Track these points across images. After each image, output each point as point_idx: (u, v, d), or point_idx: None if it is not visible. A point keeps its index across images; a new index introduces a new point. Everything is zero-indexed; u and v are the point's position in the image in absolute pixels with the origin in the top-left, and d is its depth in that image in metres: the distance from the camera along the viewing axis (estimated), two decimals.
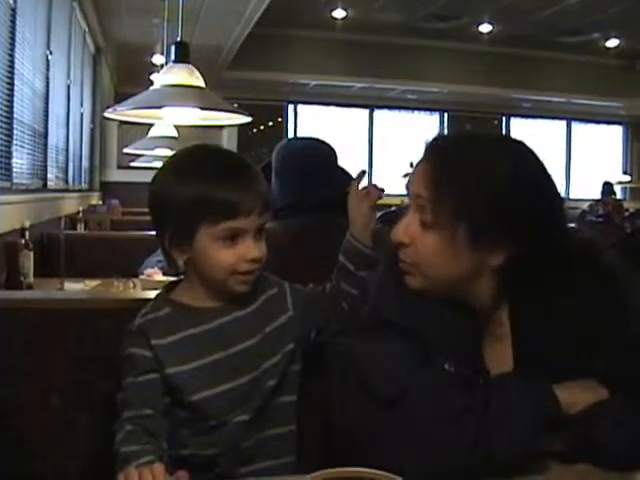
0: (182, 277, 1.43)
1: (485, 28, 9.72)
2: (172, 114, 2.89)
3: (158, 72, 3.80)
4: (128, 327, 1.37)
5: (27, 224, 2.93)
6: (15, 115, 3.64)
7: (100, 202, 8.03)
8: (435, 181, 1.22)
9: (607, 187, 10.08)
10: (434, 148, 1.29)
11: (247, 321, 1.39)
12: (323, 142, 2.34)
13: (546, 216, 1.23)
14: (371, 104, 12.42)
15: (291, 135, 12.14)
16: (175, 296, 1.41)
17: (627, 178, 13.13)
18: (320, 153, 2.32)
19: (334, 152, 2.34)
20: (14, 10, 3.55)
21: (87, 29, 7.21)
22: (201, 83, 2.70)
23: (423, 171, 1.25)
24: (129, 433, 1.26)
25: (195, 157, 1.42)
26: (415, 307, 1.26)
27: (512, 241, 1.19)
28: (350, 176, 2.38)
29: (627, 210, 9.60)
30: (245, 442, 1.36)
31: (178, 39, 2.89)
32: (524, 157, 1.26)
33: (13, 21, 3.54)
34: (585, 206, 9.52)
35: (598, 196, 10.02)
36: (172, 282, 1.46)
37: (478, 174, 1.20)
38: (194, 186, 1.32)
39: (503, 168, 1.21)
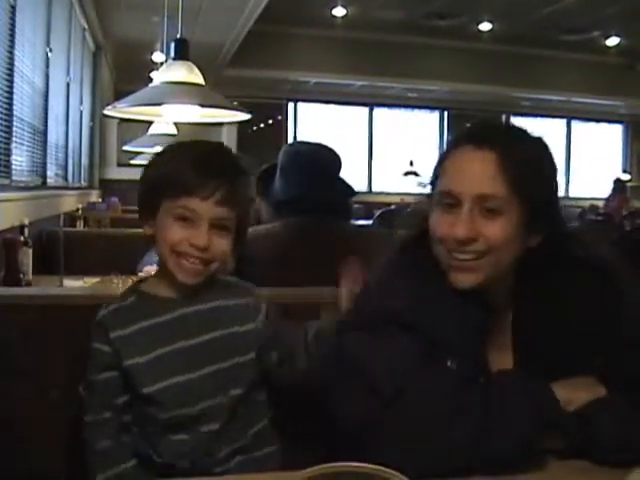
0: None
1: (485, 26, 9.71)
2: (172, 111, 2.89)
3: (158, 70, 3.80)
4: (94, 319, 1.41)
5: (26, 221, 2.93)
6: (15, 112, 3.64)
7: (99, 199, 8.02)
8: (501, 167, 1.23)
9: (618, 184, 10.05)
10: (488, 135, 1.29)
11: (209, 315, 1.41)
12: (330, 149, 2.38)
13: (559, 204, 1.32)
14: (371, 102, 12.41)
15: (291, 133, 12.16)
16: (144, 286, 1.45)
17: (627, 177, 13.11)
18: (325, 158, 2.36)
19: (339, 160, 2.37)
20: (14, 7, 3.54)
21: (87, 26, 7.20)
22: (201, 80, 2.70)
23: (485, 158, 1.24)
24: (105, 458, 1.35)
25: (184, 145, 1.46)
26: (421, 303, 1.26)
27: (546, 223, 1.26)
28: (350, 187, 2.42)
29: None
30: (220, 451, 1.38)
31: (178, 36, 2.89)
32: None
33: (13, 18, 3.54)
34: (587, 205, 9.56)
35: (598, 195, 10.03)
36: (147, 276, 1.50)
37: (535, 159, 1.27)
38: (169, 165, 1.39)
39: (548, 154, 1.30)
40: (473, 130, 1.34)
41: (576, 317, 1.24)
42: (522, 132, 1.32)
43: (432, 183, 1.33)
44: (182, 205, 1.34)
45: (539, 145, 1.30)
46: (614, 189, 9.90)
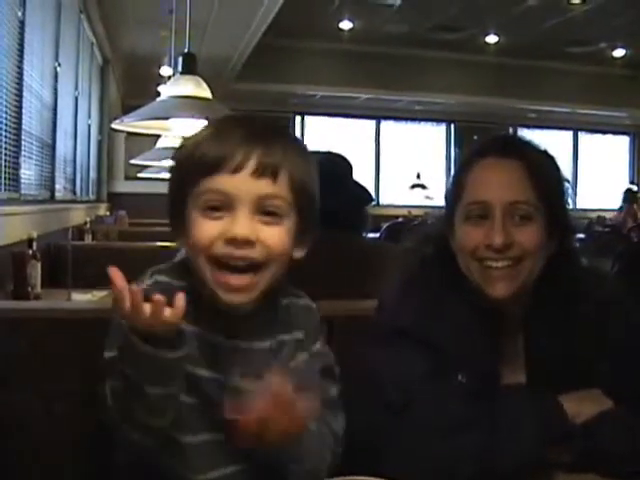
0: None
1: (491, 39, 9.73)
2: (179, 125, 2.90)
3: (165, 84, 3.82)
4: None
5: (35, 235, 2.93)
6: (23, 126, 3.66)
7: (108, 213, 8.04)
8: (528, 174, 1.26)
9: (628, 194, 10.02)
10: (511, 145, 1.34)
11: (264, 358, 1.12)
12: (337, 155, 2.37)
13: None
14: (378, 115, 12.42)
15: None
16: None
17: (634, 188, 13.10)
18: (333, 165, 2.34)
19: (348, 165, 2.36)
20: (22, 22, 3.57)
21: (95, 41, 7.25)
22: (208, 94, 2.72)
23: (513, 167, 1.27)
24: None
25: (210, 122, 1.20)
26: (435, 318, 1.27)
27: (562, 230, 1.30)
28: (366, 193, 2.41)
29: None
30: None
31: (185, 50, 2.91)
32: None
33: (22, 33, 3.56)
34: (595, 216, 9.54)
35: (606, 206, 10.01)
36: None
37: (553, 168, 1.33)
38: (187, 146, 1.08)
39: (558, 165, 1.35)
40: (496, 142, 1.37)
41: (585, 331, 1.25)
42: (536, 144, 1.35)
43: (450, 198, 1.34)
44: (207, 189, 1.00)
45: (550, 156, 1.34)
46: (624, 200, 9.87)
